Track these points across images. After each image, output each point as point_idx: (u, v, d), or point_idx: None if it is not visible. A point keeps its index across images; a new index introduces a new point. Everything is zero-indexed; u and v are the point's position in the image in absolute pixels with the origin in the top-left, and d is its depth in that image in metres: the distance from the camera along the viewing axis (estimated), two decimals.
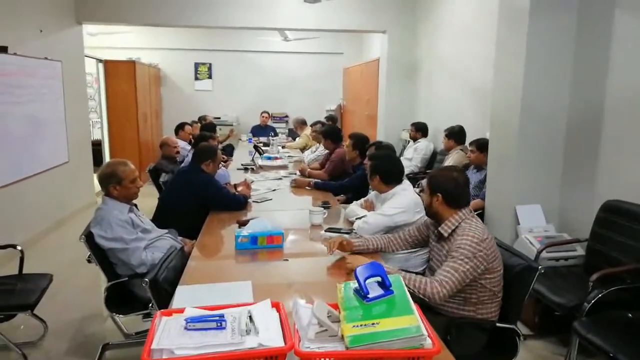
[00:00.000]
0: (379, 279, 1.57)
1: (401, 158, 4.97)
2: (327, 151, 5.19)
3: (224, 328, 1.42)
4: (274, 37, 9.35)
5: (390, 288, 1.55)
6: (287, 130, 9.71)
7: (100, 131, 8.10)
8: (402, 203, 2.90)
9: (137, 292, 2.62)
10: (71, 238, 3.45)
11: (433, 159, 5.93)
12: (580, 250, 3.27)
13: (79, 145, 6.28)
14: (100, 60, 7.75)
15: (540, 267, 2.08)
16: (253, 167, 5.33)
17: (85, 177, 6.57)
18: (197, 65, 10.19)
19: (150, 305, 2.24)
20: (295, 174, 4.91)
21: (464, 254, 2.04)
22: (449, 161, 5.01)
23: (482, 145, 4.28)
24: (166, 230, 3.04)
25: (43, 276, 3.06)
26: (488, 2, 4.80)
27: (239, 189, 3.87)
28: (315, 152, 6.01)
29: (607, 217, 2.99)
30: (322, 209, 3.22)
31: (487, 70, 4.35)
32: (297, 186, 4.35)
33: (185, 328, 1.42)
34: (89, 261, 2.73)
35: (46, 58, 5.29)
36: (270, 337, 1.41)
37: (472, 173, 4.37)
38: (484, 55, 4.83)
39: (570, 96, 3.50)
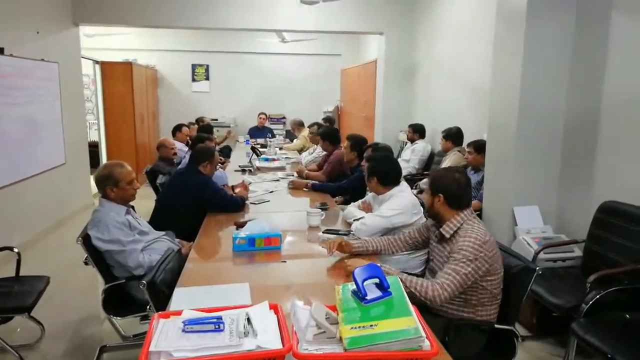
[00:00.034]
0: (377, 280, 1.57)
1: (399, 159, 4.98)
2: (324, 153, 5.19)
3: (221, 330, 1.41)
4: (272, 39, 9.35)
5: (389, 290, 1.55)
6: (284, 132, 9.72)
7: (97, 133, 8.08)
8: (400, 204, 2.90)
9: (135, 294, 2.61)
10: (68, 240, 3.44)
11: (430, 160, 5.94)
12: (577, 252, 3.27)
13: (76, 146, 6.27)
14: (97, 62, 7.74)
15: (537, 268, 2.08)
16: (250, 168, 5.32)
17: (82, 179, 6.56)
18: (194, 66, 10.19)
19: (148, 307, 2.23)
20: (293, 175, 4.91)
21: (466, 255, 2.04)
22: (447, 162, 5.01)
23: (479, 147, 4.29)
24: (163, 232, 3.03)
25: (40, 278, 3.05)
26: (486, 3, 4.82)
27: (237, 190, 3.87)
28: (312, 153, 6.01)
29: (605, 218, 3.00)
30: (320, 210, 3.22)
31: (485, 71, 4.36)
32: (294, 188, 4.34)
33: (183, 330, 1.41)
34: (86, 263, 2.72)
35: (43, 59, 5.28)
36: (268, 339, 1.41)
37: (470, 174, 4.37)
38: (482, 57, 4.85)
39: (568, 98, 3.51)
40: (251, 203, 3.74)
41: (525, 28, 3.39)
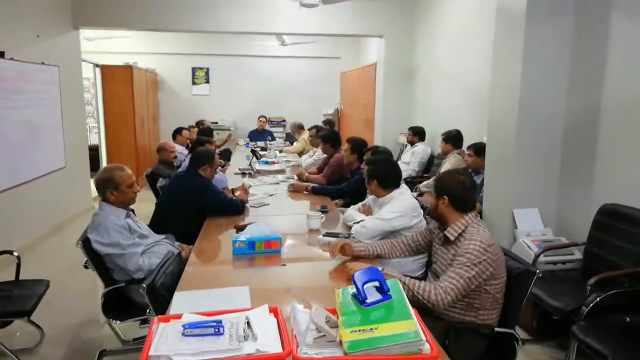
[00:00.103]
0: (377, 283, 1.57)
1: (399, 162, 4.98)
2: (324, 155, 5.20)
3: (221, 334, 1.41)
4: (271, 42, 9.37)
5: (389, 293, 1.55)
6: (284, 135, 9.73)
7: (97, 136, 8.09)
8: (400, 207, 2.90)
9: (135, 298, 2.61)
10: (68, 243, 3.44)
11: (430, 163, 5.94)
12: (578, 254, 3.27)
13: (76, 150, 6.27)
14: (97, 65, 7.75)
15: (538, 271, 2.08)
16: (250, 171, 5.32)
17: (82, 182, 6.56)
18: (194, 69, 10.21)
19: (148, 311, 2.23)
20: (293, 178, 4.91)
21: (470, 259, 2.03)
22: (446, 165, 5.02)
23: (479, 149, 4.29)
24: (163, 236, 3.03)
25: (40, 282, 3.05)
26: (485, 5, 4.83)
27: (237, 193, 3.86)
28: (312, 156, 6.01)
29: (605, 220, 3.00)
30: (320, 213, 3.22)
31: (485, 74, 4.36)
32: (294, 191, 4.34)
33: (183, 334, 1.41)
34: (85, 267, 2.72)
35: (43, 63, 5.28)
36: (268, 342, 1.41)
37: None
38: (481, 59, 4.86)
39: (568, 99, 3.52)
40: (251, 206, 3.74)
41: (524, 30, 3.39)
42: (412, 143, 6.14)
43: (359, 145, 4.33)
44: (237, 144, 8.56)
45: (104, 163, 7.79)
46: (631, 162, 3.04)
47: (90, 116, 8.60)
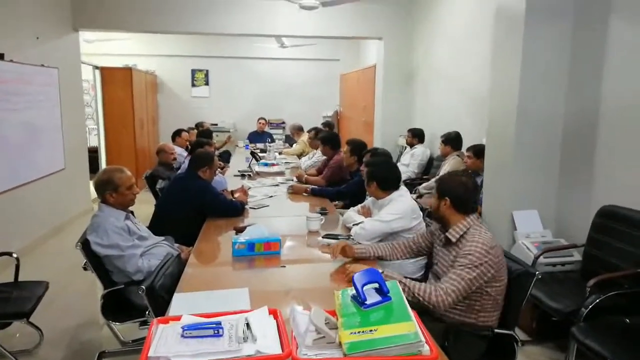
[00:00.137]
0: (376, 285, 1.57)
1: (398, 164, 4.98)
2: (324, 157, 5.20)
3: (221, 335, 1.41)
4: (271, 44, 9.38)
5: (388, 294, 1.55)
6: (284, 137, 9.73)
7: (96, 138, 8.08)
8: (399, 209, 2.90)
9: (134, 299, 2.61)
10: (67, 245, 3.44)
11: (430, 165, 5.95)
12: (577, 256, 3.27)
13: (76, 152, 6.27)
14: (96, 67, 7.76)
15: (537, 272, 2.08)
16: (250, 173, 5.32)
17: (81, 184, 6.55)
18: (194, 71, 10.22)
19: (147, 312, 2.23)
20: (292, 180, 4.91)
21: (472, 261, 2.03)
22: (446, 167, 5.02)
23: (478, 151, 4.30)
24: (163, 237, 3.03)
25: (39, 284, 3.05)
26: (484, 7, 4.84)
27: (236, 195, 3.87)
28: (312, 158, 6.01)
29: (604, 222, 3.00)
30: (320, 215, 3.22)
31: (484, 76, 4.37)
32: (294, 192, 4.34)
33: (182, 336, 1.41)
34: (85, 268, 2.71)
35: (43, 65, 5.28)
36: (268, 344, 1.41)
37: None
38: (481, 61, 4.87)
39: (566, 102, 3.52)
40: (250, 208, 3.74)
41: (524, 31, 3.40)
42: (411, 145, 6.15)
43: (358, 147, 4.34)
44: (237, 146, 8.56)
45: (103, 165, 7.79)
46: (630, 164, 3.05)
47: (90, 118, 8.60)
